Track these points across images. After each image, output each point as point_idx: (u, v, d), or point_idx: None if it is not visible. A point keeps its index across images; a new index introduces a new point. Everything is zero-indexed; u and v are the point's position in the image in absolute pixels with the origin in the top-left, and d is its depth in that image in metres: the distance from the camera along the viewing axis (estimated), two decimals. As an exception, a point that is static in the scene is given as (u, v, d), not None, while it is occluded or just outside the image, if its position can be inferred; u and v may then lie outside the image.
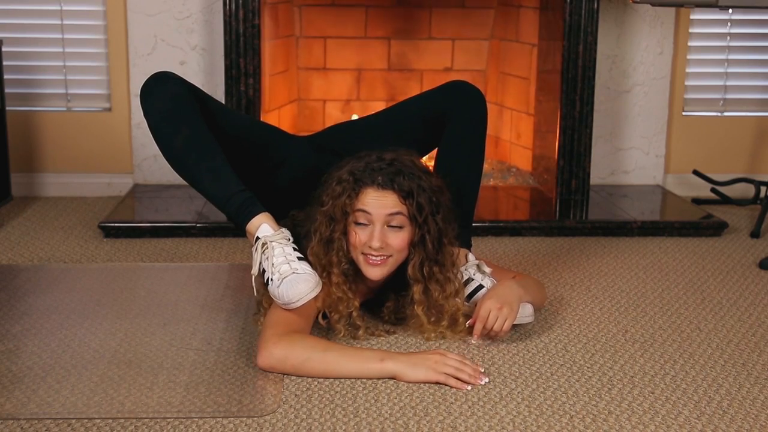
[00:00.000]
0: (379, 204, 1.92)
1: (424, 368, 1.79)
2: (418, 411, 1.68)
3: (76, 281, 2.39)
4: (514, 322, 2.00)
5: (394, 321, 2.08)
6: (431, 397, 1.74)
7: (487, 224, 2.92)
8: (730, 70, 3.57)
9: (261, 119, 3.10)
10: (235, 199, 1.96)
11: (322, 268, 1.95)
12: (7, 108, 3.13)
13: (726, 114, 3.59)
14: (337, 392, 1.75)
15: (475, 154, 2.20)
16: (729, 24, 3.51)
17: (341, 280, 1.95)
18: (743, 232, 3.03)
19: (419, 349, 1.97)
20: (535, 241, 2.89)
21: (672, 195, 3.41)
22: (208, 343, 1.99)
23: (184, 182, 2.05)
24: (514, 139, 3.59)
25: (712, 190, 3.33)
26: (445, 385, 1.78)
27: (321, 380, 1.80)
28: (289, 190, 2.14)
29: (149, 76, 2.03)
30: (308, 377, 1.80)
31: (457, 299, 2.00)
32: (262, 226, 1.94)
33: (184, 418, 1.64)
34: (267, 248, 1.91)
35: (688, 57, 3.52)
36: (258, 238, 1.94)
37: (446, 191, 1.99)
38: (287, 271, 1.87)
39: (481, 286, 2.08)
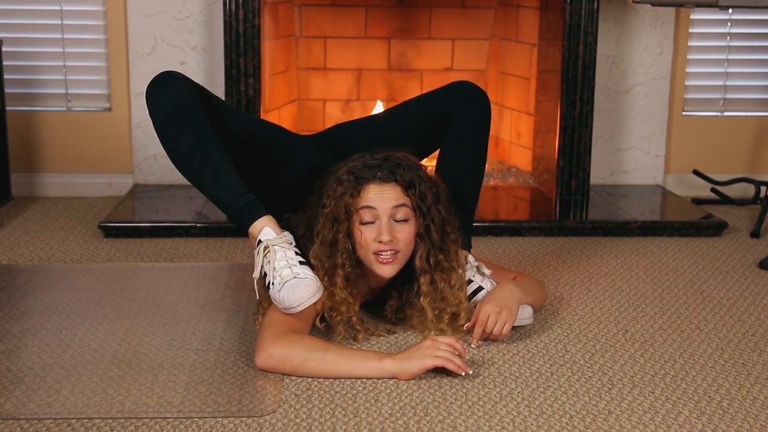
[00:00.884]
0: (383, 197, 1.92)
1: (418, 358, 1.79)
2: (418, 411, 1.68)
3: (76, 281, 2.39)
4: (514, 324, 2.00)
5: (395, 320, 2.08)
6: (431, 397, 1.74)
7: (487, 224, 2.92)
8: (730, 70, 3.57)
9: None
10: (239, 202, 1.95)
11: (325, 271, 1.94)
12: (7, 108, 3.14)
13: (726, 114, 3.59)
14: (337, 392, 1.75)
15: (477, 155, 2.19)
16: (729, 24, 3.51)
17: (344, 283, 1.95)
18: (743, 232, 3.03)
19: (419, 349, 1.97)
20: (535, 241, 2.89)
21: (672, 195, 3.41)
22: (208, 343, 1.99)
23: (184, 182, 2.05)
24: (514, 139, 3.59)
25: (712, 190, 3.33)
26: (444, 368, 1.79)
27: (321, 380, 1.80)
28: (292, 190, 2.13)
29: (155, 75, 2.03)
30: (308, 377, 1.81)
31: (460, 292, 2.00)
32: (265, 229, 1.94)
33: (184, 418, 1.65)
34: (269, 252, 1.90)
35: (688, 57, 3.52)
36: (260, 241, 1.93)
37: (441, 184, 2.01)
38: (289, 275, 1.87)
39: (480, 288, 2.08)
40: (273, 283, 1.88)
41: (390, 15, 3.58)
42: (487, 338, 2.00)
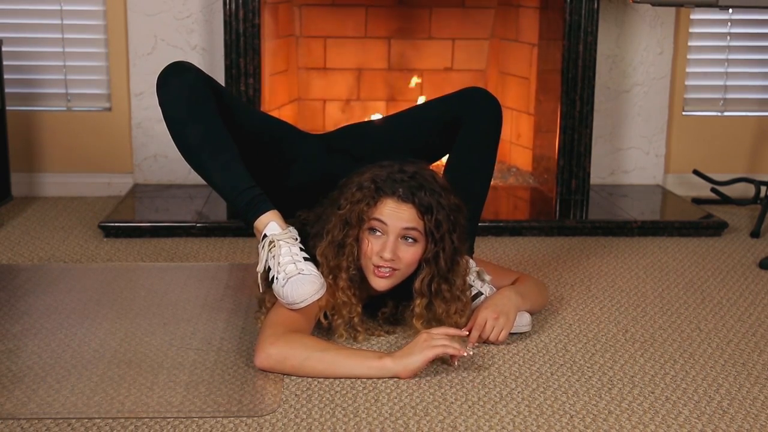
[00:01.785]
0: (396, 216, 1.91)
1: (418, 352, 1.79)
2: (418, 411, 1.68)
3: (76, 281, 2.39)
4: (511, 331, 2.01)
5: (385, 328, 2.08)
6: (431, 397, 1.74)
7: (487, 224, 2.92)
8: (730, 70, 3.57)
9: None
10: (245, 195, 1.95)
11: (330, 271, 1.94)
12: (7, 108, 3.13)
13: (726, 114, 3.59)
14: (337, 392, 1.75)
15: (486, 161, 2.18)
16: (729, 24, 3.51)
17: (347, 284, 1.94)
18: (743, 232, 3.03)
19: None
20: (535, 241, 2.89)
21: (672, 195, 3.41)
22: (208, 343, 1.99)
23: (184, 182, 2.05)
24: (514, 139, 3.59)
25: (712, 190, 3.33)
26: (444, 355, 1.80)
27: (321, 380, 1.80)
28: (298, 188, 2.13)
29: (162, 68, 2.02)
30: (308, 377, 1.81)
31: (461, 318, 1.98)
32: (271, 223, 1.94)
33: (184, 417, 1.65)
34: (274, 246, 1.91)
35: (688, 57, 3.52)
36: (265, 235, 1.93)
37: (464, 209, 1.97)
38: (293, 271, 1.87)
39: (480, 294, 2.07)
40: (277, 278, 1.89)
41: (390, 15, 3.58)
42: (484, 343, 1.99)
